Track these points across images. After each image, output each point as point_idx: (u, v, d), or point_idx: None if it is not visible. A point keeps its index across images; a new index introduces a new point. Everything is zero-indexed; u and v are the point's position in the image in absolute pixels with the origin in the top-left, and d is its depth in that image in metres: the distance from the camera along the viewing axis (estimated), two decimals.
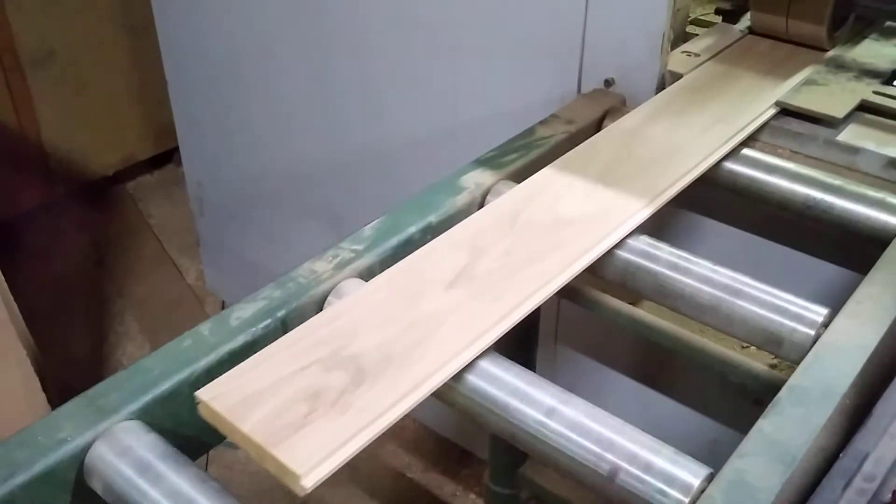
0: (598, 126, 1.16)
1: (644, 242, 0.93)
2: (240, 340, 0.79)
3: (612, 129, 1.10)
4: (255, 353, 0.77)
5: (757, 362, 0.93)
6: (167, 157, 2.86)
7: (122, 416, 0.72)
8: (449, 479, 1.90)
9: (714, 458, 0.71)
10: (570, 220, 0.93)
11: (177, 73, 2.01)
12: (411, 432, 1.96)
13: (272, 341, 0.78)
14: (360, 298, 0.82)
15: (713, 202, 1.17)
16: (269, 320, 0.81)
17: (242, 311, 0.81)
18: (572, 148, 1.07)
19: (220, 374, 0.75)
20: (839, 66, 1.23)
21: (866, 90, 1.16)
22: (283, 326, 0.81)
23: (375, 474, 1.91)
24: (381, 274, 0.86)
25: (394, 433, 1.92)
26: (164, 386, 0.74)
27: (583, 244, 0.90)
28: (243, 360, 0.76)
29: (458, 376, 0.77)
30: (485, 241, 0.90)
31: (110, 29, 2.58)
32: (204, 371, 0.76)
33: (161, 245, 2.61)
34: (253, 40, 1.76)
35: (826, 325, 0.82)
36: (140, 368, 0.75)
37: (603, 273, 0.94)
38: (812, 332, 0.82)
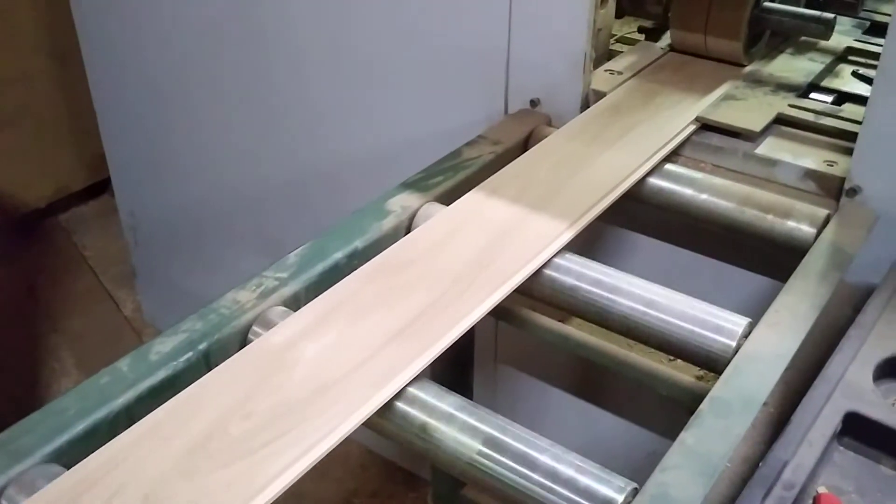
0: (524, 146, 1.17)
1: (569, 260, 0.94)
2: (160, 375, 0.77)
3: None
4: (178, 388, 0.76)
5: (684, 374, 0.94)
6: (102, 187, 2.80)
7: (37, 460, 0.69)
8: (396, 503, 1.89)
9: (653, 469, 0.71)
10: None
11: (105, 103, 1.97)
12: (356, 458, 1.94)
13: (194, 375, 0.77)
14: None
15: (639, 217, 1.18)
16: (190, 353, 0.79)
17: (162, 345, 0.79)
18: (499, 168, 1.07)
19: (140, 412, 0.73)
20: (756, 80, 1.26)
21: (782, 104, 1.19)
22: (206, 359, 0.80)
23: (321, 503, 1.88)
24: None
25: (339, 459, 1.90)
26: (80, 426, 0.71)
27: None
28: (164, 396, 0.75)
29: (388, 404, 0.76)
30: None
31: (37, 58, 2.53)
32: (123, 409, 0.74)
33: (97, 277, 2.55)
34: (182, 69, 1.74)
35: (747, 335, 0.83)
36: (54, 409, 0.72)
37: (531, 292, 0.95)
38: (733, 343, 0.83)
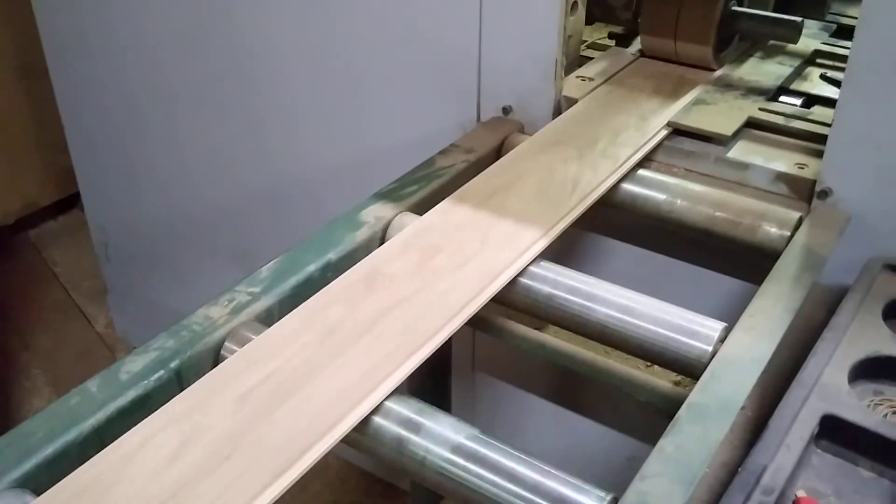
0: (497, 153, 1.17)
1: (545, 268, 0.93)
2: (130, 395, 0.75)
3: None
4: (149, 408, 0.74)
5: (661, 380, 0.94)
6: (71, 201, 2.76)
7: (3, 485, 0.67)
8: None
9: (633, 474, 0.70)
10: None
11: (73, 116, 1.95)
12: (334, 470, 1.92)
13: (166, 394, 0.76)
14: None
15: (614, 223, 1.18)
16: (161, 372, 0.77)
17: (132, 364, 0.78)
18: (473, 177, 1.07)
19: (111, 433, 0.72)
20: (726, 84, 1.27)
21: (752, 107, 1.20)
22: (178, 378, 0.78)
23: None
24: None
25: (316, 472, 1.87)
26: (49, 450, 0.70)
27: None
28: (135, 416, 0.73)
29: (364, 419, 0.75)
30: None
31: (3, 72, 2.49)
32: (92, 430, 0.72)
33: (67, 293, 2.51)
34: (153, 76, 1.72)
35: (723, 339, 0.83)
36: (21, 432, 0.71)
37: (508, 301, 0.94)
38: (709, 349, 0.83)
